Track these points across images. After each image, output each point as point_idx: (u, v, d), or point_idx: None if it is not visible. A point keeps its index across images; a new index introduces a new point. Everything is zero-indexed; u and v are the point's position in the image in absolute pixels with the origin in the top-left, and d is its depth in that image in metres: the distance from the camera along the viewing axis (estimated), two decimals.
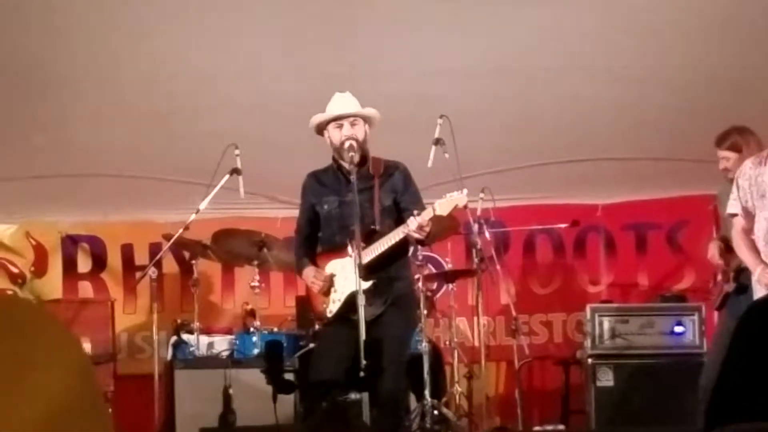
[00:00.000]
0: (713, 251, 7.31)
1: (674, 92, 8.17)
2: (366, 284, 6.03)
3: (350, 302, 6.19)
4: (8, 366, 1.17)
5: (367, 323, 6.06)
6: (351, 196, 6.28)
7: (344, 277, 6.36)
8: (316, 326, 7.92)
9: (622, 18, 7.34)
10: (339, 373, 6.10)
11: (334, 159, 6.54)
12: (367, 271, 6.10)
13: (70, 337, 1.35)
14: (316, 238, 6.70)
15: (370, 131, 6.49)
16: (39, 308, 1.36)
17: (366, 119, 6.45)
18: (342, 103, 6.45)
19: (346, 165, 6.35)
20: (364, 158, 6.43)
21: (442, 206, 6.00)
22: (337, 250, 6.48)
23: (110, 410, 8.07)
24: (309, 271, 6.55)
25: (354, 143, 6.31)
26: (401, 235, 6.13)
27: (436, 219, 6.07)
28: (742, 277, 6.95)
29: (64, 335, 1.33)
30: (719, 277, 7.33)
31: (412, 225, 6.00)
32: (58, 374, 1.25)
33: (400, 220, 6.28)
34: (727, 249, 7.09)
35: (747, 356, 3.49)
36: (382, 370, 5.91)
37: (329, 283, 6.47)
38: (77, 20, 7.08)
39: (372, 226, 6.32)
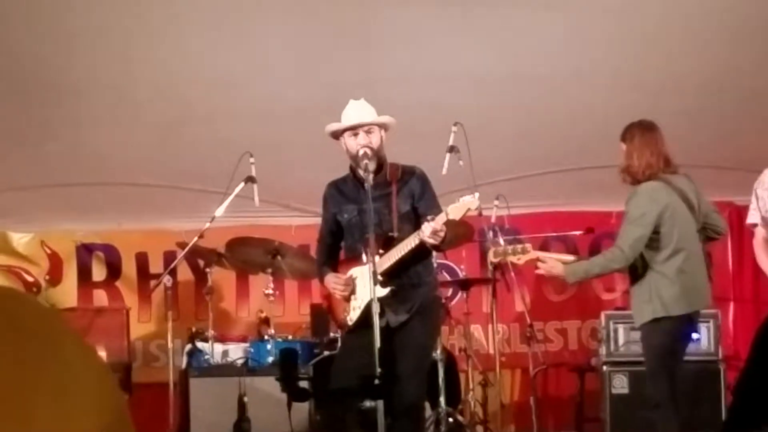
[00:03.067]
0: None
1: (688, 99, 8.15)
2: (382, 292, 6.03)
3: (370, 309, 6.19)
4: (25, 375, 1.12)
5: (392, 330, 6.09)
6: (368, 204, 6.30)
7: (363, 284, 6.35)
8: (338, 333, 7.91)
9: (636, 25, 7.34)
10: (358, 381, 6.10)
11: (351, 167, 6.55)
12: (386, 278, 6.11)
13: (90, 349, 1.29)
14: (338, 248, 6.71)
15: (386, 137, 6.49)
16: (57, 315, 1.27)
17: (381, 126, 6.44)
18: (357, 111, 6.43)
19: (361, 171, 6.35)
20: (380, 165, 6.42)
21: (454, 210, 5.98)
22: (357, 257, 6.47)
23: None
24: (330, 278, 6.56)
25: (369, 151, 6.29)
26: (416, 242, 6.12)
27: (449, 224, 6.06)
28: None
29: (84, 346, 1.27)
30: None
31: (426, 231, 5.98)
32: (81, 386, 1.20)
33: (419, 226, 6.28)
34: None
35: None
36: (402, 376, 5.91)
37: (351, 286, 6.48)
38: (92, 29, 7.10)
39: (390, 233, 6.32)
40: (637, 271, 6.46)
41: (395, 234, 6.32)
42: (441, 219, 5.98)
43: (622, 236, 6.42)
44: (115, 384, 1.27)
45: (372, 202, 6.18)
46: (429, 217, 6.01)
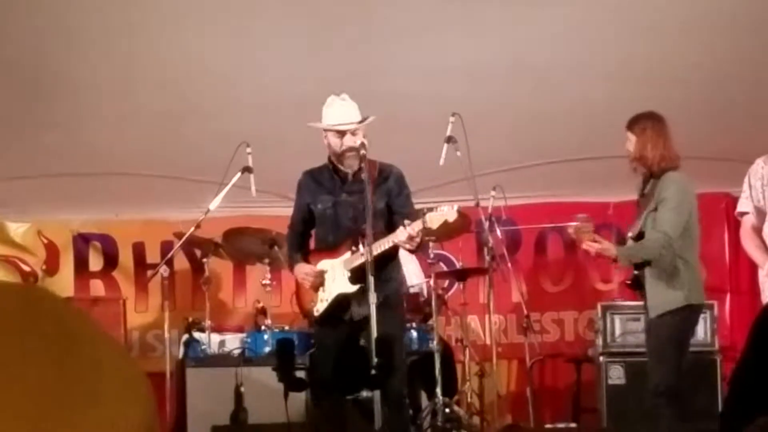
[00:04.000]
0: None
1: (686, 91, 8.16)
2: (352, 288, 6.27)
3: (337, 303, 6.40)
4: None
5: (355, 323, 6.23)
6: (345, 197, 6.45)
7: (333, 277, 6.50)
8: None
9: (635, 16, 7.34)
10: (341, 374, 6.18)
11: (330, 159, 6.59)
12: (356, 274, 6.25)
13: (123, 351, 1.25)
14: (309, 236, 6.83)
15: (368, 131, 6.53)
16: (86, 316, 1.22)
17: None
18: (343, 111, 6.46)
19: (343, 168, 6.41)
20: (360, 161, 6.47)
21: (432, 219, 6.10)
22: (329, 249, 6.61)
23: None
24: (301, 267, 6.69)
25: (355, 153, 6.36)
26: (391, 244, 6.18)
27: (427, 230, 6.12)
28: (641, 275, 6.80)
29: (118, 348, 1.24)
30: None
31: (402, 236, 6.09)
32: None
33: (390, 223, 6.34)
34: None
35: (764, 353, 3.49)
36: (393, 368, 5.94)
37: (321, 279, 6.57)
38: (90, 22, 7.11)
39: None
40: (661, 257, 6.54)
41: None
42: (417, 226, 6.07)
43: (667, 222, 6.47)
44: (148, 389, 1.22)
45: (348, 196, 6.27)
46: (406, 222, 6.10)
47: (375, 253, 6.21)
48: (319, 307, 6.59)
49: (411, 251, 6.55)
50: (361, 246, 6.28)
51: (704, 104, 8.30)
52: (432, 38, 7.53)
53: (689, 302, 6.43)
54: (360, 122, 6.45)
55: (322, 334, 6.75)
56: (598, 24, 7.42)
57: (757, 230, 6.40)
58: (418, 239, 6.15)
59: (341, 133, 6.43)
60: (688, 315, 6.50)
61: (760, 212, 6.35)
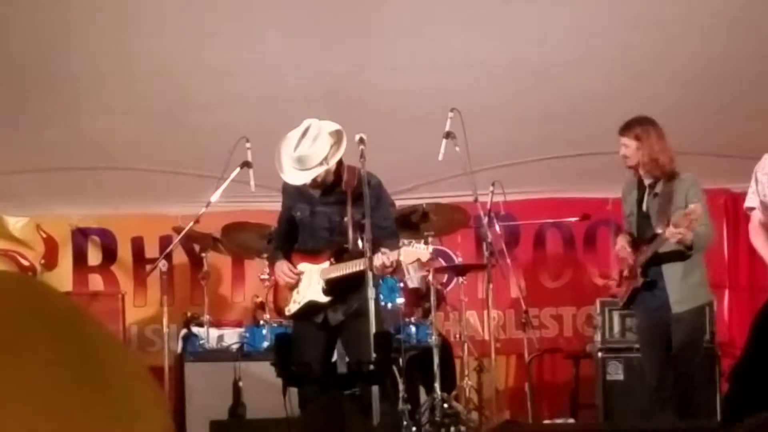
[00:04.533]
0: (623, 243, 7.19)
1: (685, 87, 8.16)
2: (324, 298, 6.49)
3: (308, 308, 6.59)
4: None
5: (332, 328, 6.50)
6: (322, 207, 6.60)
7: (308, 283, 6.67)
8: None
9: (635, 13, 7.34)
10: (324, 369, 6.33)
11: None
12: (330, 286, 6.49)
13: (124, 346, 1.18)
14: (294, 234, 6.88)
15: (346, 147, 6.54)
16: (87, 312, 1.17)
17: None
18: (297, 172, 6.45)
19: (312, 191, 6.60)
20: (338, 175, 6.49)
21: (406, 254, 6.31)
22: (310, 254, 6.73)
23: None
24: (281, 265, 6.77)
25: (322, 183, 6.49)
26: (361, 267, 6.25)
27: (399, 262, 6.38)
28: (650, 272, 6.94)
29: (120, 346, 1.19)
30: (625, 273, 7.25)
31: (377, 262, 6.18)
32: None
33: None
34: (633, 244, 7.07)
35: (765, 349, 3.50)
36: (390, 365, 5.97)
37: (297, 279, 6.69)
38: (90, 14, 7.10)
39: (345, 245, 6.52)
40: (684, 253, 6.68)
41: (349, 246, 6.44)
42: (392, 257, 6.24)
43: (705, 218, 6.73)
44: (155, 385, 1.18)
45: (324, 206, 6.54)
46: (382, 251, 6.18)
47: (344, 272, 6.44)
48: (291, 307, 6.75)
49: (383, 274, 6.67)
50: (339, 260, 6.50)
51: (703, 100, 8.30)
52: (431, 33, 7.52)
53: (710, 298, 6.62)
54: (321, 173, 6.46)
55: (301, 327, 6.86)
56: (596, 20, 7.41)
57: (765, 226, 6.39)
58: (391, 269, 6.37)
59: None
60: (708, 310, 6.71)
61: (766, 207, 6.35)
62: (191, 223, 8.15)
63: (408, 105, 7.39)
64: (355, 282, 6.40)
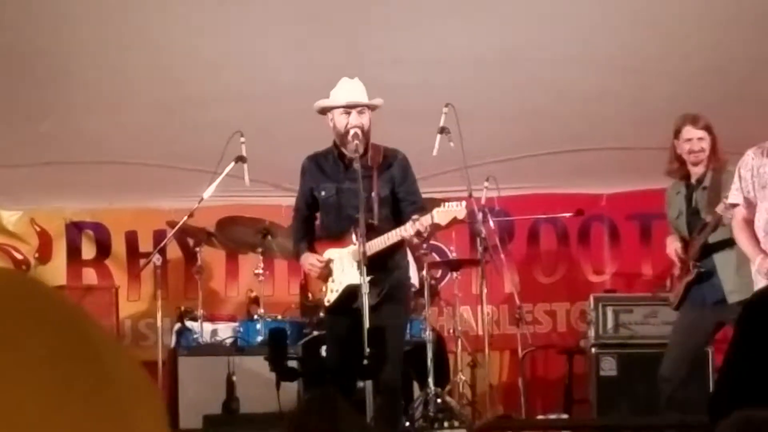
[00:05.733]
0: (676, 245, 7.18)
1: (680, 82, 8.16)
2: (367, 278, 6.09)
3: (348, 294, 6.28)
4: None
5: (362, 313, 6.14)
6: (348, 184, 6.35)
7: (341, 268, 6.42)
8: (321, 314, 7.97)
9: (630, 8, 7.34)
10: (347, 363, 6.15)
11: (335, 144, 6.54)
12: (365, 266, 6.14)
13: (117, 342, 1.15)
14: (314, 219, 6.76)
15: (373, 119, 6.51)
16: (77, 306, 1.14)
17: (372, 108, 6.45)
18: (351, 90, 6.42)
19: (347, 152, 6.35)
20: (365, 147, 6.43)
21: (440, 215, 6.00)
22: (335, 238, 6.53)
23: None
24: (307, 257, 6.60)
25: (360, 132, 6.30)
26: (398, 238, 6.15)
27: (435, 226, 6.08)
28: (702, 264, 6.95)
29: (112, 341, 1.16)
30: (677, 273, 7.25)
31: (411, 230, 6.01)
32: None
33: (396, 211, 6.31)
34: (685, 244, 7.09)
35: (754, 344, 3.49)
36: (386, 358, 5.93)
37: (328, 269, 6.51)
38: (84, 8, 7.09)
39: (370, 220, 6.32)
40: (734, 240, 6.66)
41: (375, 220, 6.33)
42: (426, 221, 5.99)
43: None
44: (149, 379, 1.16)
45: (351, 183, 6.22)
46: (414, 217, 6.02)
47: (382, 246, 6.21)
48: (330, 297, 6.53)
49: (416, 244, 6.53)
50: (369, 238, 6.26)
51: (697, 96, 8.30)
52: (426, 28, 7.52)
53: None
54: (368, 104, 6.42)
55: (333, 321, 6.70)
56: (591, 15, 7.41)
57: (749, 222, 6.42)
58: (425, 234, 6.10)
59: (347, 113, 6.38)
60: None
61: (749, 204, 6.38)
62: (185, 218, 8.15)
63: (402, 100, 7.38)
64: (385, 262, 6.33)
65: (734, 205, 6.51)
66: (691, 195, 7.10)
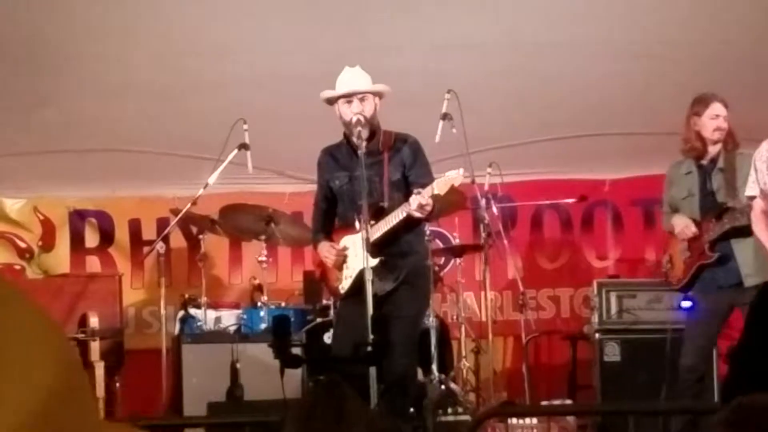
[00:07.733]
0: (687, 223, 7.09)
1: (684, 67, 8.14)
2: (372, 261, 6.06)
3: (361, 278, 6.23)
4: None
5: (378, 299, 6.11)
6: (359, 172, 6.33)
7: (355, 253, 6.43)
8: (330, 300, 8.00)
9: None
10: (353, 350, 6.14)
11: (345, 134, 6.58)
12: (375, 248, 6.13)
13: (51, 324, 0.99)
14: (333, 213, 6.78)
15: (381, 105, 6.50)
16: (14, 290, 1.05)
17: (376, 94, 6.45)
18: (351, 79, 6.45)
19: (355, 140, 6.37)
20: (373, 133, 6.44)
21: (439, 185, 6.03)
22: (349, 226, 6.57)
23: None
24: (323, 246, 6.66)
25: (362, 118, 6.32)
26: (404, 214, 6.15)
27: (437, 198, 6.08)
28: (718, 247, 6.93)
29: (43, 322, 1.01)
30: (686, 254, 7.19)
31: (413, 204, 6.02)
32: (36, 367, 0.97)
33: (410, 194, 6.30)
34: (696, 224, 7.06)
35: (765, 331, 3.50)
36: (390, 345, 5.92)
37: (342, 257, 6.53)
38: None
39: (381, 203, 6.34)
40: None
41: (385, 203, 6.34)
42: (427, 192, 6.00)
43: None
44: (62, 342, 1.05)
45: (363, 169, 6.21)
46: (416, 191, 6.03)
47: (389, 226, 6.24)
48: (344, 284, 6.57)
49: (425, 220, 6.50)
50: (378, 219, 6.27)
51: (700, 81, 8.28)
52: (428, 14, 7.50)
53: None
54: (367, 90, 6.43)
55: (346, 308, 6.72)
56: (595, 0, 7.40)
57: (766, 213, 6.37)
58: (429, 207, 6.06)
59: (349, 102, 6.40)
60: None
61: (766, 196, 6.33)
62: (188, 205, 8.16)
63: (404, 86, 7.37)
64: (400, 247, 6.35)
65: (752, 198, 6.48)
66: (704, 176, 7.07)
